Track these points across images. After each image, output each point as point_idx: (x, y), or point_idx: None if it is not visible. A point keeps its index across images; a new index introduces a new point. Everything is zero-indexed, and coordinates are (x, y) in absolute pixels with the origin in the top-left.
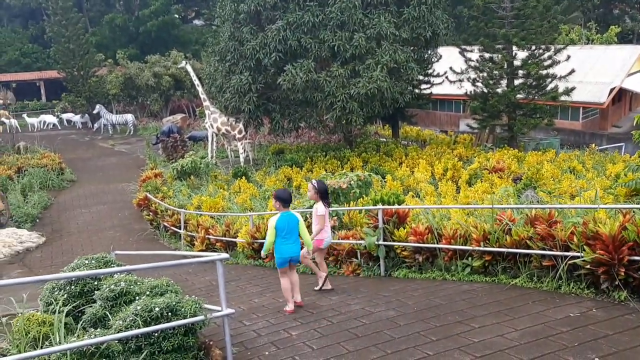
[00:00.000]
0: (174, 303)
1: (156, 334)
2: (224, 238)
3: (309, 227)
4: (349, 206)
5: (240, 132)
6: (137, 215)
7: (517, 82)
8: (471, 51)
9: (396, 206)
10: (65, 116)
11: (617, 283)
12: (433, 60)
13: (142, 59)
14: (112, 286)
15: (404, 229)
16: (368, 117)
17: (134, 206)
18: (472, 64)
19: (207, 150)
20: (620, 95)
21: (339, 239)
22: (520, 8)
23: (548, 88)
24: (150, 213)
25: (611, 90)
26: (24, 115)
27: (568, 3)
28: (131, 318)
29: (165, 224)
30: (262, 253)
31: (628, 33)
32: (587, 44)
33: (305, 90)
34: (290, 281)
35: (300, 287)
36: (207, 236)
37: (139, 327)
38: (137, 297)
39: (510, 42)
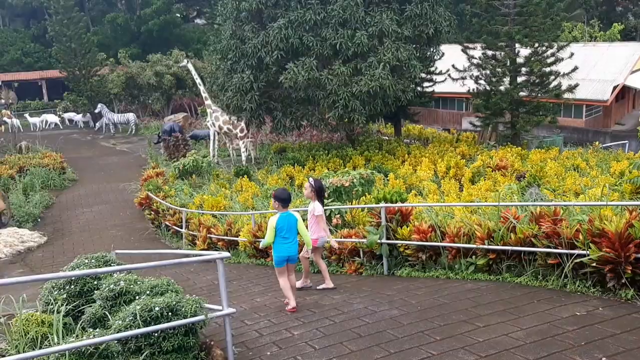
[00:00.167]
0: (174, 303)
1: (156, 334)
2: (225, 237)
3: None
4: (351, 204)
5: (242, 130)
6: (139, 215)
7: (520, 79)
8: (474, 49)
9: (399, 204)
10: (67, 115)
11: (623, 281)
12: (435, 58)
13: (144, 58)
14: (112, 286)
15: (407, 227)
16: (370, 116)
17: (135, 205)
18: (475, 61)
19: (209, 149)
20: (624, 93)
21: (341, 238)
22: (523, 5)
23: (551, 85)
24: (152, 212)
25: (614, 87)
26: (26, 115)
27: (571, 0)
28: (130, 318)
29: (167, 223)
30: (260, 246)
31: (631, 30)
32: (590, 41)
33: (307, 88)
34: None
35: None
36: (208, 235)
37: (139, 327)
38: (137, 297)
39: (513, 39)
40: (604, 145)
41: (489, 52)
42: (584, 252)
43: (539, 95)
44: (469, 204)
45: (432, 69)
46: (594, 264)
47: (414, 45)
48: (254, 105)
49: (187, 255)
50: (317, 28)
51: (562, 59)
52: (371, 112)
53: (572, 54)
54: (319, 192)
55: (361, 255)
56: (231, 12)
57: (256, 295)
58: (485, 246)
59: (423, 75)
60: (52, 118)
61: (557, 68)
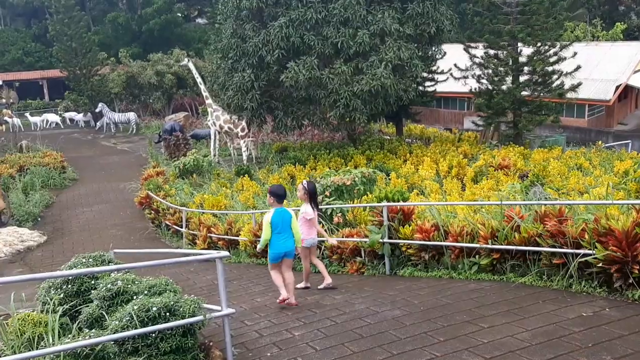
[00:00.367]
0: (172, 303)
1: (153, 335)
2: (226, 236)
3: None
4: (352, 203)
5: (242, 130)
6: (139, 214)
7: (522, 78)
8: (476, 48)
9: (401, 203)
10: (68, 115)
11: (630, 281)
12: (437, 57)
13: (145, 58)
14: (109, 285)
15: (409, 226)
16: (372, 115)
17: (136, 205)
18: (477, 60)
19: (209, 148)
20: (626, 93)
21: (343, 237)
22: (526, 4)
23: (554, 85)
24: (152, 211)
25: (617, 87)
26: (27, 114)
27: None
28: (127, 318)
29: (167, 222)
30: (258, 248)
31: (634, 30)
32: (593, 41)
33: (308, 87)
34: (285, 280)
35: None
36: (209, 235)
37: (136, 328)
38: (134, 297)
39: (515, 38)
40: (606, 144)
41: (491, 51)
42: (590, 251)
43: (542, 94)
44: (472, 202)
45: (434, 68)
46: (600, 264)
47: (415, 44)
48: (255, 105)
49: (186, 255)
50: (318, 27)
51: (565, 58)
52: (372, 111)
53: (575, 54)
54: (312, 195)
55: (363, 255)
56: (232, 10)
57: (256, 295)
58: (489, 246)
59: (425, 74)
60: (53, 117)
61: (560, 67)
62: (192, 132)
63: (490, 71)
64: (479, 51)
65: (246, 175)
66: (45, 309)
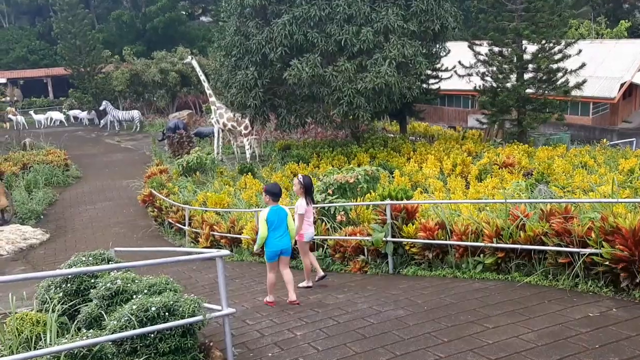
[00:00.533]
0: (171, 302)
1: (152, 335)
2: (228, 234)
3: None
4: (356, 201)
5: (246, 127)
6: (142, 212)
7: (526, 76)
8: (480, 45)
9: (405, 201)
10: (72, 113)
11: (637, 281)
12: (441, 54)
13: (149, 56)
14: (109, 284)
15: (413, 224)
16: (375, 113)
17: (139, 202)
18: (481, 58)
19: (213, 146)
20: (631, 90)
21: (345, 235)
22: (531, 1)
23: (558, 82)
24: (155, 209)
25: (622, 85)
26: (31, 112)
27: None
28: (126, 318)
29: (170, 220)
30: (255, 248)
31: (638, 27)
32: (597, 38)
33: (311, 85)
34: (284, 279)
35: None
36: (211, 233)
37: (134, 328)
38: (134, 296)
39: (520, 35)
40: (611, 142)
41: (496, 49)
42: (596, 250)
43: (546, 92)
44: (477, 201)
45: (438, 65)
46: (607, 263)
47: (419, 42)
48: (258, 102)
49: (187, 253)
50: (322, 24)
51: (570, 56)
52: (376, 109)
53: (579, 51)
54: (307, 189)
55: (366, 254)
56: (235, 8)
57: (258, 294)
58: (494, 244)
59: (429, 72)
60: (57, 115)
61: (565, 65)
62: (196, 130)
63: (494, 69)
64: (484, 48)
65: (249, 173)
66: (44, 308)
